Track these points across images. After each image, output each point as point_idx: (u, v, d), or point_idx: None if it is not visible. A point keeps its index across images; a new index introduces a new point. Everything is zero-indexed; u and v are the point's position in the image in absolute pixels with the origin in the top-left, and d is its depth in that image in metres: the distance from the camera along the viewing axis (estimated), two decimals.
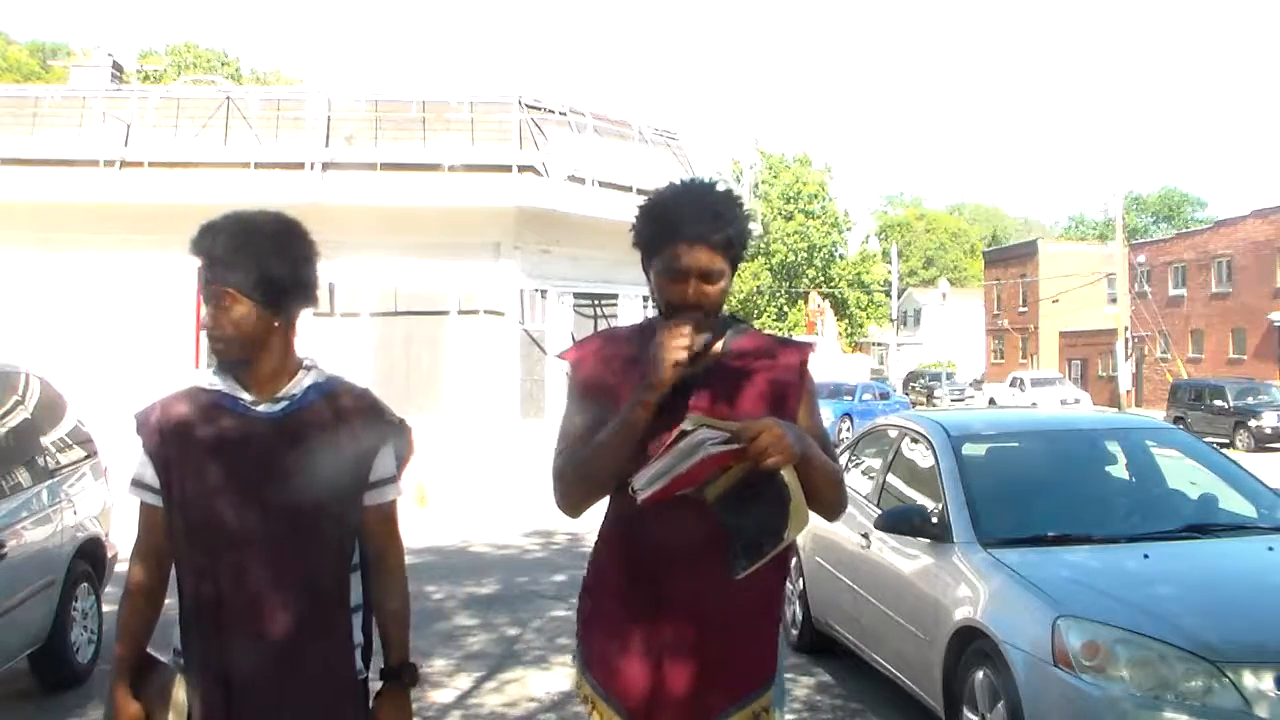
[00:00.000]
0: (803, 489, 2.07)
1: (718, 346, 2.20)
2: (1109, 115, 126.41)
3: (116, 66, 17.73)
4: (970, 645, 4.17)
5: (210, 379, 2.19)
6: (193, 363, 13.74)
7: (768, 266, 52.27)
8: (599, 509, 2.25)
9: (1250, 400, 25.64)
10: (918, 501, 5.12)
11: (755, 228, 23.42)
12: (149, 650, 2.22)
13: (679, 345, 2.03)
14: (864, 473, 6.06)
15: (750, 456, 1.96)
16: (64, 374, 6.56)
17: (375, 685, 2.25)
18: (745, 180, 28.89)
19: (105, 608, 5.96)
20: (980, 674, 4.07)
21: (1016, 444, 5.66)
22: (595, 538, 2.31)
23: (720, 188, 2.20)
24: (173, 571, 2.19)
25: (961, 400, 42.48)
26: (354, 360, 12.31)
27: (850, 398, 26.32)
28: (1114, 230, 39.38)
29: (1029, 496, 5.03)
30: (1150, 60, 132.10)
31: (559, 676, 5.67)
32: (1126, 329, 36.82)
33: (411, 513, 9.86)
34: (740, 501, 2.02)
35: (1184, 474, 5.38)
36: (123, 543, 4.94)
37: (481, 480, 12.78)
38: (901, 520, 4.86)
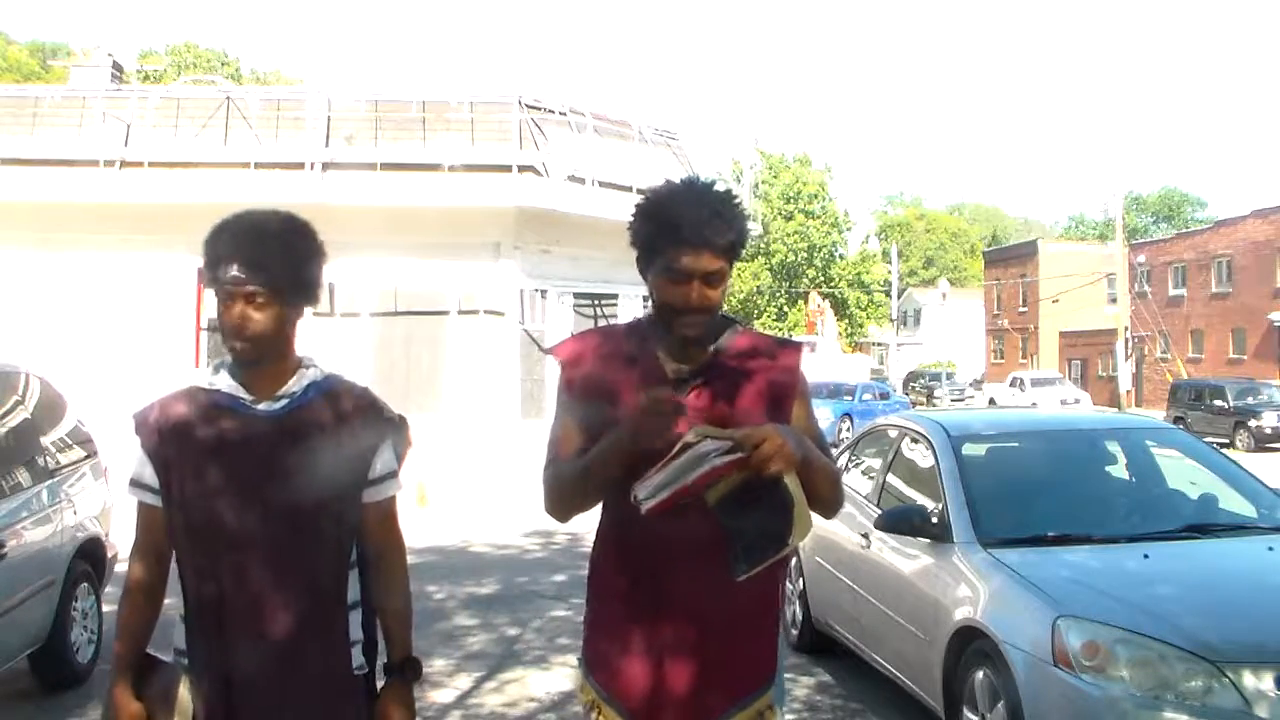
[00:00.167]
0: (804, 489, 2.07)
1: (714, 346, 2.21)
2: (1109, 115, 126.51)
3: (116, 66, 17.73)
4: (970, 645, 4.17)
5: (209, 378, 2.19)
6: (193, 362, 13.77)
7: (768, 266, 52.27)
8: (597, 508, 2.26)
9: (1250, 400, 25.63)
10: (918, 501, 5.12)
11: (754, 228, 23.47)
12: (152, 651, 2.21)
13: (662, 425, 1.99)
14: (864, 473, 6.06)
15: (753, 465, 1.96)
16: (64, 374, 6.56)
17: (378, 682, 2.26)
18: (745, 180, 28.89)
19: (105, 608, 5.96)
20: (980, 674, 4.07)
21: (1016, 444, 5.66)
22: (594, 538, 2.31)
23: (719, 187, 2.19)
24: (173, 571, 2.19)
25: (961, 400, 42.47)
26: (354, 360, 12.32)
27: (850, 398, 26.30)
28: (1114, 230, 39.38)
29: (1029, 496, 5.03)
30: (1150, 60, 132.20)
31: (559, 676, 5.67)
32: (1126, 329, 36.82)
33: (411, 513, 9.85)
34: (741, 505, 2.02)
35: (1184, 474, 5.38)
36: (123, 543, 4.94)
37: (481, 480, 12.78)
38: (901, 520, 4.86)
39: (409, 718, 2.23)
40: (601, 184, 15.08)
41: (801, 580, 6.24)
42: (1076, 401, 34.73)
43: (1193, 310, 43.14)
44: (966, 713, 4.16)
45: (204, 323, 14.11)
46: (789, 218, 51.73)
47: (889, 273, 51.75)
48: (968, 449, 5.17)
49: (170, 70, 42.07)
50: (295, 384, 2.18)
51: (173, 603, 2.18)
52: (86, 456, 6.16)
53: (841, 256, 54.13)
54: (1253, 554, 4.52)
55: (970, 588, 4.32)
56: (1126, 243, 41.57)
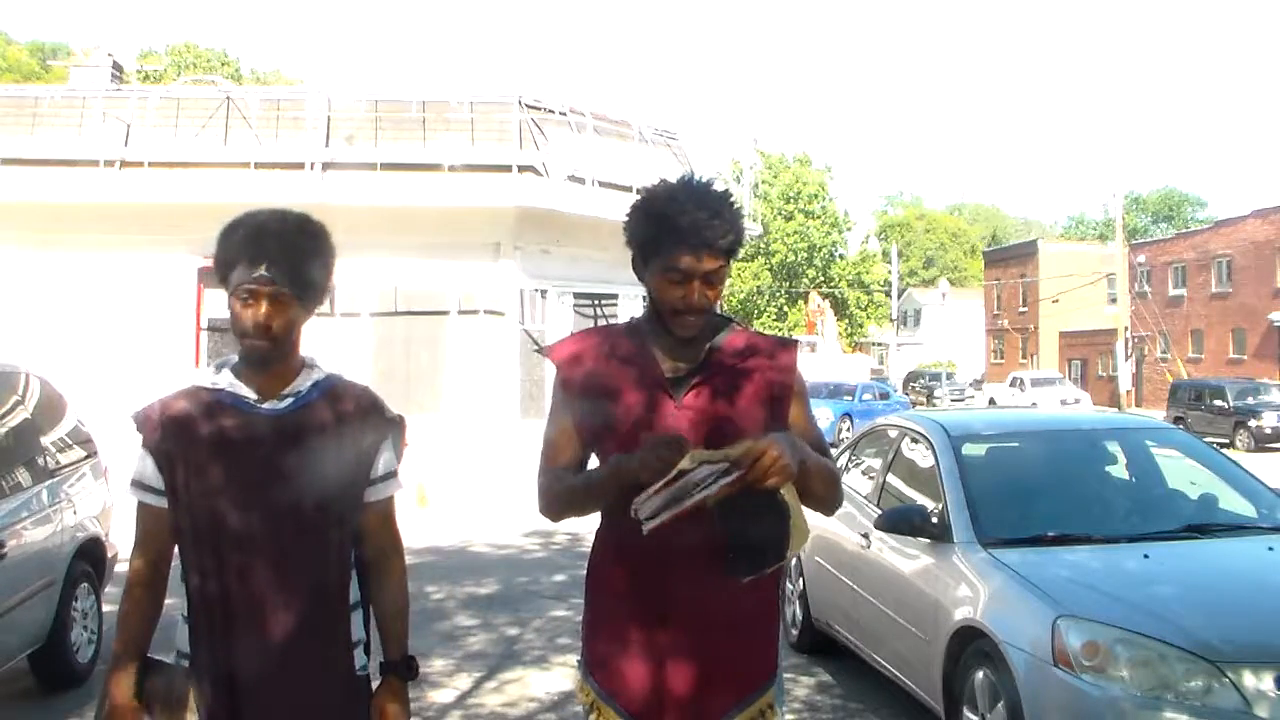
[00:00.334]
0: (801, 492, 2.09)
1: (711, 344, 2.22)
2: (1109, 115, 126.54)
3: (116, 66, 17.74)
4: (970, 645, 4.17)
5: (212, 378, 2.18)
6: (193, 362, 13.77)
7: (768, 266, 52.27)
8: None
9: (1250, 400, 25.63)
10: (918, 501, 5.11)
11: (754, 227, 23.37)
12: (157, 656, 2.20)
13: (669, 459, 1.98)
14: (864, 473, 6.06)
15: (751, 480, 1.96)
16: (64, 374, 6.56)
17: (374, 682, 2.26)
18: (745, 180, 28.86)
19: (105, 608, 5.95)
20: (980, 674, 4.07)
21: (1016, 444, 5.66)
22: (594, 538, 2.31)
23: (717, 187, 2.19)
24: (174, 572, 2.18)
25: (961, 400, 42.44)
26: (354, 360, 12.32)
27: (850, 398, 26.28)
28: (1114, 230, 39.40)
29: (1029, 496, 5.03)
30: (1149, 60, 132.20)
31: (559, 676, 5.67)
32: (1126, 329, 36.84)
33: (411, 513, 9.86)
34: (741, 513, 2.02)
35: (1184, 474, 5.38)
36: (123, 543, 4.94)
37: (481, 480, 12.77)
38: (901, 520, 4.85)
39: (405, 716, 2.24)
40: (601, 184, 15.08)
41: (801, 580, 6.24)
42: (1076, 401, 34.72)
43: (1193, 310, 43.14)
44: (966, 713, 4.16)
45: (204, 323, 14.13)
46: (789, 218, 51.72)
47: (889, 273, 51.75)
48: (968, 449, 5.17)
49: (170, 70, 42.09)
50: (300, 384, 2.18)
51: (173, 603, 2.18)
52: (86, 456, 6.16)
53: (841, 256, 54.13)
54: (1253, 554, 4.52)
55: (970, 588, 4.32)
56: (1126, 243, 41.58)
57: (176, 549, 2.17)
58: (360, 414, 2.20)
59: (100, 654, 5.77)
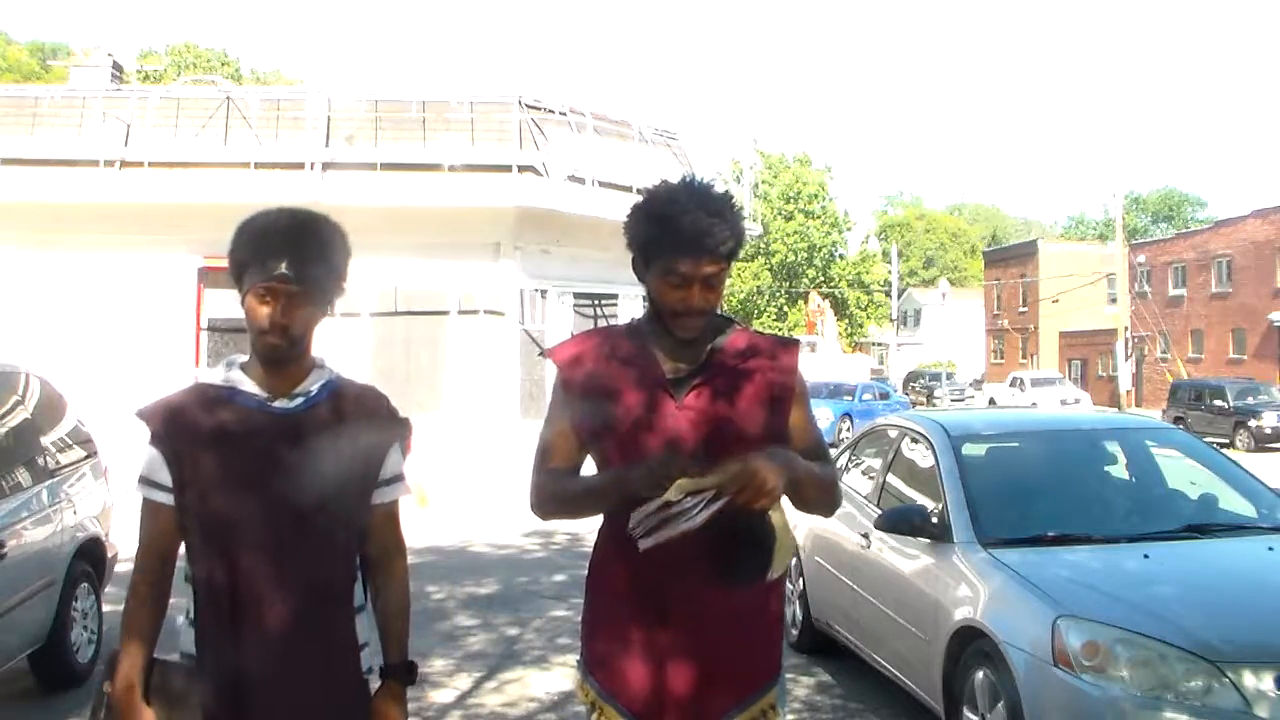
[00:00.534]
0: (796, 499, 2.14)
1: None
2: (1109, 115, 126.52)
3: (116, 66, 17.74)
4: (970, 645, 4.17)
5: (223, 375, 2.17)
6: (193, 362, 13.78)
7: (768, 266, 52.25)
8: None
9: (1250, 400, 25.64)
10: (918, 501, 5.12)
11: (754, 227, 23.33)
12: (164, 657, 2.19)
13: (675, 476, 1.99)
14: (864, 473, 6.06)
15: (738, 504, 1.98)
16: (64, 374, 6.56)
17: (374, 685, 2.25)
18: (745, 180, 28.87)
19: (105, 608, 5.96)
20: (980, 674, 4.07)
21: (1016, 444, 5.66)
22: (595, 538, 2.31)
23: (718, 188, 2.19)
24: (177, 572, 2.18)
25: (961, 400, 42.44)
26: (354, 360, 12.31)
27: (850, 398, 26.28)
28: (1114, 230, 39.40)
29: (1029, 496, 5.03)
30: (1149, 60, 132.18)
31: (559, 676, 5.67)
32: (1126, 329, 36.84)
33: (411, 513, 9.85)
34: (727, 531, 2.04)
35: (1184, 474, 5.38)
36: (123, 543, 4.92)
37: (481, 480, 12.77)
38: (901, 520, 4.85)
39: (403, 719, 2.23)
40: (601, 184, 15.08)
41: (801, 580, 6.24)
42: (1076, 401, 34.71)
43: (1193, 310, 43.14)
44: (966, 713, 4.16)
45: (204, 323, 14.13)
46: (789, 218, 51.71)
47: (889, 273, 51.75)
48: (968, 449, 5.17)
49: (170, 70, 42.08)
50: (311, 384, 2.17)
51: (175, 603, 2.17)
52: (86, 456, 6.16)
53: (841, 256, 54.11)
54: (1253, 554, 4.52)
55: (970, 588, 4.32)
56: (1126, 243, 41.58)
57: (182, 547, 2.16)
58: (369, 416, 2.20)
59: (100, 654, 5.77)
